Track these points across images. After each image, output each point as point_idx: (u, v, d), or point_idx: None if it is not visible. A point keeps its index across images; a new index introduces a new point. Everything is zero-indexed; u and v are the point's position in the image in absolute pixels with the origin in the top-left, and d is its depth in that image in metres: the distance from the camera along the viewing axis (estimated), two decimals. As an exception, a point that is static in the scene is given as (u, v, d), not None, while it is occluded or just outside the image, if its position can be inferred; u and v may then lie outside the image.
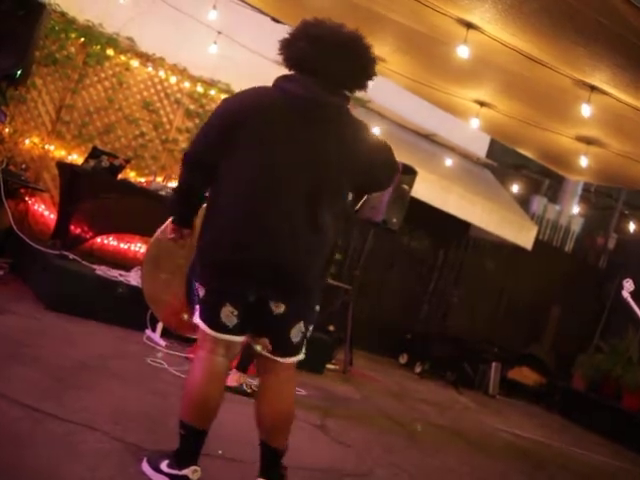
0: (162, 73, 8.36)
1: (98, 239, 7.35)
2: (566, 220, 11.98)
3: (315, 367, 6.62)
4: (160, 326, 5.64)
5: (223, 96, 8.78)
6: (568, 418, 9.50)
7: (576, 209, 11.93)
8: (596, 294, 11.23)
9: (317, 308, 2.94)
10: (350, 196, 2.96)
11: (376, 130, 9.14)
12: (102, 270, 6.06)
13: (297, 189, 2.71)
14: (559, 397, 10.21)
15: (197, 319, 2.86)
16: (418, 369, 9.09)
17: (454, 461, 5.10)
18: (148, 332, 5.63)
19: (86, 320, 5.46)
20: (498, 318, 10.88)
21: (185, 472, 2.85)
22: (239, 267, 2.73)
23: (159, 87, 8.42)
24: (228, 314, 2.76)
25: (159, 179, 7.63)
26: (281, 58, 2.86)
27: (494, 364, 9.57)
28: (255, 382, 5.14)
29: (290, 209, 2.71)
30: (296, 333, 2.83)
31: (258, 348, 2.87)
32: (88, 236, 6.60)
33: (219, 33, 8.26)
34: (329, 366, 7.08)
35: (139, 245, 7.82)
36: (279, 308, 2.77)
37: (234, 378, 5.13)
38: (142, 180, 7.88)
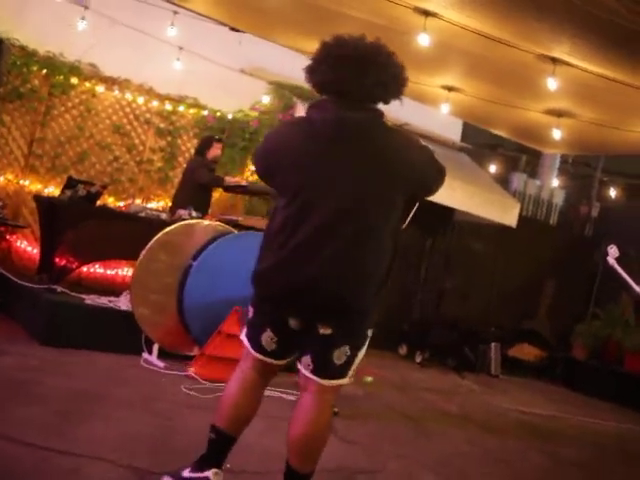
0: (129, 95, 8.36)
1: (84, 268, 7.34)
2: (547, 194, 12.03)
3: (316, 369, 6.62)
4: (156, 347, 5.64)
5: (192, 111, 8.81)
6: (573, 388, 9.55)
7: (556, 182, 11.98)
8: (586, 263, 11.28)
9: (369, 332, 2.83)
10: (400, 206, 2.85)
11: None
12: (91, 299, 6.04)
13: (327, 212, 2.68)
14: (561, 369, 10.26)
15: (243, 336, 2.97)
16: (419, 359, 9.11)
17: (466, 445, 5.11)
18: (145, 355, 5.61)
19: (82, 350, 5.44)
20: (492, 298, 10.91)
21: (207, 474, 2.91)
22: (280, 295, 2.79)
23: (127, 109, 8.41)
24: (268, 340, 2.84)
25: (138, 201, 7.62)
26: (310, 85, 2.82)
27: (493, 344, 9.60)
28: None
29: (325, 235, 2.69)
30: (339, 356, 2.75)
31: (299, 366, 2.85)
32: (74, 266, 6.57)
33: (181, 49, 8.27)
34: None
35: (126, 269, 7.81)
36: (326, 330, 2.73)
37: None
38: (121, 204, 7.87)
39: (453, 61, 6.93)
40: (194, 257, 5.65)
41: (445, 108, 7.57)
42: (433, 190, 2.99)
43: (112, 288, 7.09)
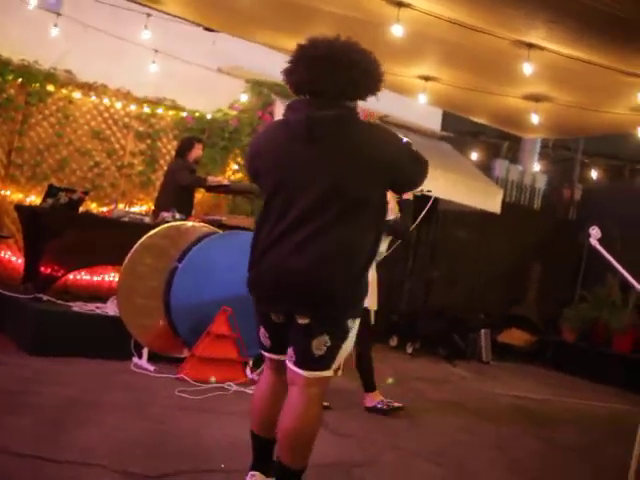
0: (106, 100, 8.32)
1: (70, 276, 7.30)
2: (530, 179, 12.08)
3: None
4: (146, 351, 5.62)
5: (171, 113, 8.78)
6: (563, 371, 9.61)
7: (537, 166, 12.04)
8: (571, 246, 11.33)
9: (350, 323, 2.84)
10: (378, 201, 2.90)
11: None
12: (78, 306, 6.03)
13: (301, 209, 2.75)
14: (551, 352, 10.33)
15: None
16: (409, 349, 9.14)
17: (460, 434, 5.13)
18: (135, 359, 5.60)
19: (72, 358, 5.41)
20: (479, 285, 10.96)
21: (246, 477, 3.04)
22: (262, 292, 2.92)
23: (106, 114, 8.37)
24: (263, 336, 3.03)
25: (121, 206, 7.58)
26: (288, 87, 2.90)
27: (483, 331, 9.64)
28: (390, 401, 5.32)
29: (296, 228, 2.76)
30: (318, 346, 2.77)
31: (286, 359, 2.89)
32: (59, 275, 6.53)
33: (156, 51, 8.23)
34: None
35: (112, 275, 7.78)
36: (304, 320, 2.79)
37: (372, 398, 5.28)
38: (104, 210, 7.83)
39: (428, 51, 6.94)
40: (179, 259, 5.64)
41: (423, 98, 7.58)
42: (416, 183, 3.03)
43: (99, 294, 7.06)
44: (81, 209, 6.75)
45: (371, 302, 5.28)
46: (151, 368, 5.48)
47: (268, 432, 3.02)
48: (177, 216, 6.38)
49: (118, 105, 8.41)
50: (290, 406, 2.83)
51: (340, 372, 2.88)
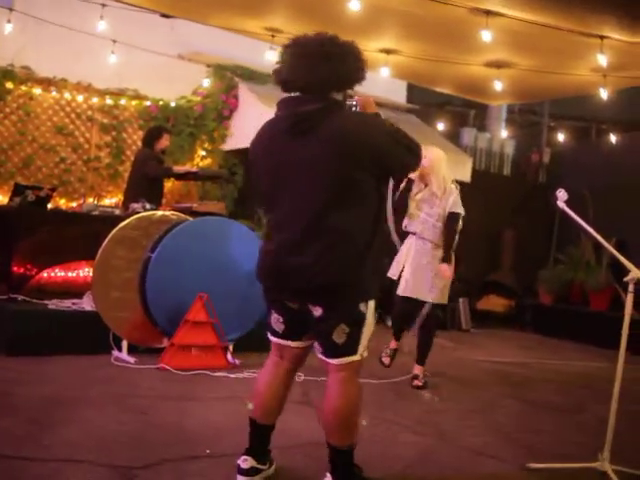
0: (67, 94, 8.24)
1: (44, 274, 7.24)
2: (498, 145, 12.14)
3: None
4: (125, 344, 5.61)
5: (134, 103, 8.70)
6: (542, 333, 9.73)
7: (505, 133, 12.09)
8: (543, 210, 11.42)
9: (363, 307, 2.93)
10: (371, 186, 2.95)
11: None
12: (54, 304, 5.98)
13: (295, 201, 2.88)
14: (530, 316, 10.45)
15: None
16: (389, 322, 9.17)
17: (442, 402, 5.19)
18: (115, 353, 5.59)
19: (51, 356, 5.39)
20: (455, 255, 11.00)
21: (238, 460, 3.11)
22: (273, 280, 3.01)
23: (68, 109, 8.29)
24: (276, 321, 3.09)
25: (90, 200, 7.52)
26: (278, 87, 3.00)
27: (461, 300, 9.72)
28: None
29: (290, 221, 2.89)
30: (339, 335, 2.90)
31: (315, 351, 3.04)
32: (33, 273, 6.48)
33: (114, 42, 8.12)
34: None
35: (87, 270, 7.72)
36: (317, 311, 2.91)
37: (421, 370, 5.68)
38: (74, 205, 7.77)
39: (387, 23, 6.92)
40: (152, 249, 5.62)
41: (385, 71, 7.57)
42: (405, 166, 3.09)
43: (75, 290, 7.00)
44: (50, 206, 6.70)
45: (441, 297, 5.66)
46: (131, 360, 5.48)
47: (268, 418, 3.15)
48: (147, 206, 6.34)
49: (80, 98, 8.34)
50: (329, 392, 2.98)
51: (366, 353, 3.00)
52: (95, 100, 8.44)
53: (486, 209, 11.11)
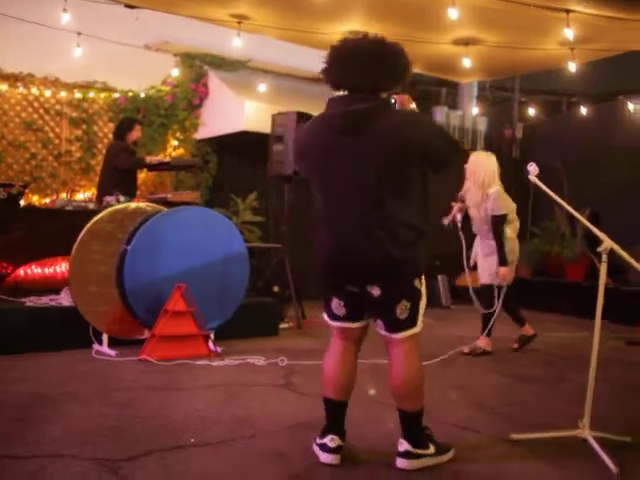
0: (35, 89, 8.13)
1: (20, 271, 7.19)
2: (471, 122, 12.16)
3: (269, 331, 6.70)
4: (106, 337, 5.60)
5: (103, 95, 8.62)
6: (522, 306, 9.78)
7: (477, 109, 12.12)
8: (517, 184, 11.45)
9: (417, 284, 3.21)
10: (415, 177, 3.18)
11: (262, 86, 9.09)
12: (32, 301, 5.96)
13: (349, 194, 3.11)
14: (509, 290, 10.49)
15: (324, 313, 3.41)
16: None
17: (426, 380, 5.21)
18: (96, 346, 5.57)
19: (32, 354, 5.38)
20: (431, 232, 11.03)
21: (324, 441, 3.28)
22: (333, 266, 3.22)
23: (36, 104, 8.20)
24: (337, 306, 3.30)
25: (63, 195, 7.46)
26: (328, 86, 3.20)
27: (440, 277, 9.77)
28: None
29: (348, 212, 3.11)
30: (402, 311, 3.17)
31: (377, 329, 3.29)
32: (8, 271, 6.44)
33: (79, 34, 8.03)
34: (283, 326, 7.14)
35: (64, 265, 7.68)
36: (376, 291, 3.13)
37: (527, 329, 6.61)
38: (47, 201, 7.70)
39: (353, 5, 6.91)
40: (127, 242, 5.59)
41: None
42: (448, 160, 3.28)
43: (53, 286, 6.96)
44: (22, 203, 6.64)
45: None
46: (113, 353, 5.47)
47: (342, 395, 3.35)
48: (121, 199, 6.31)
49: (47, 93, 8.25)
50: (394, 364, 3.26)
51: (422, 324, 3.25)
52: (63, 94, 8.35)
53: (461, 185, 11.14)
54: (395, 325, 3.20)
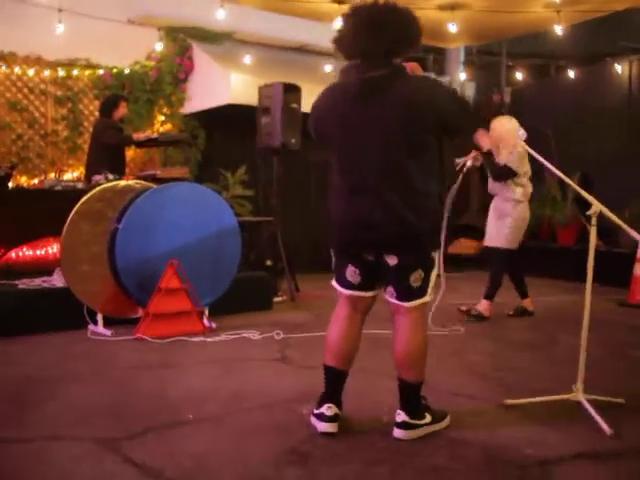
0: (17, 69, 8.05)
1: (12, 254, 7.17)
2: (458, 88, 12.09)
3: (263, 305, 6.71)
4: (100, 317, 5.60)
5: (87, 72, 8.53)
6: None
7: (464, 75, 12.06)
8: (507, 149, 11.47)
9: (433, 254, 3.23)
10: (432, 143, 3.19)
11: (247, 58, 9.01)
12: (24, 283, 5.94)
13: (367, 160, 3.12)
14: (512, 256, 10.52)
15: (333, 281, 3.41)
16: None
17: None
18: (91, 327, 5.58)
19: (26, 336, 5.36)
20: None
21: (321, 410, 3.31)
22: (350, 234, 3.23)
23: (19, 84, 8.12)
24: (352, 274, 3.31)
25: (51, 175, 7.42)
26: (341, 55, 3.21)
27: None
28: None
29: (366, 179, 3.12)
30: (415, 279, 3.19)
31: (386, 296, 3.29)
32: (0, 254, 6.42)
33: (60, 11, 7.92)
34: (276, 299, 7.15)
35: (55, 246, 7.66)
36: (392, 260, 3.16)
37: (529, 303, 6.73)
38: (35, 182, 7.66)
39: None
40: (118, 220, 5.57)
41: (339, 22, 7.47)
42: (464, 127, 3.36)
43: (46, 268, 6.95)
44: (11, 185, 6.60)
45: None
46: (108, 333, 5.47)
47: (344, 364, 3.37)
48: (110, 177, 6.27)
49: (31, 72, 8.16)
50: (400, 333, 3.27)
51: (431, 294, 3.29)
52: (47, 73, 8.27)
53: (450, 152, 11.12)
54: (407, 293, 3.21)
